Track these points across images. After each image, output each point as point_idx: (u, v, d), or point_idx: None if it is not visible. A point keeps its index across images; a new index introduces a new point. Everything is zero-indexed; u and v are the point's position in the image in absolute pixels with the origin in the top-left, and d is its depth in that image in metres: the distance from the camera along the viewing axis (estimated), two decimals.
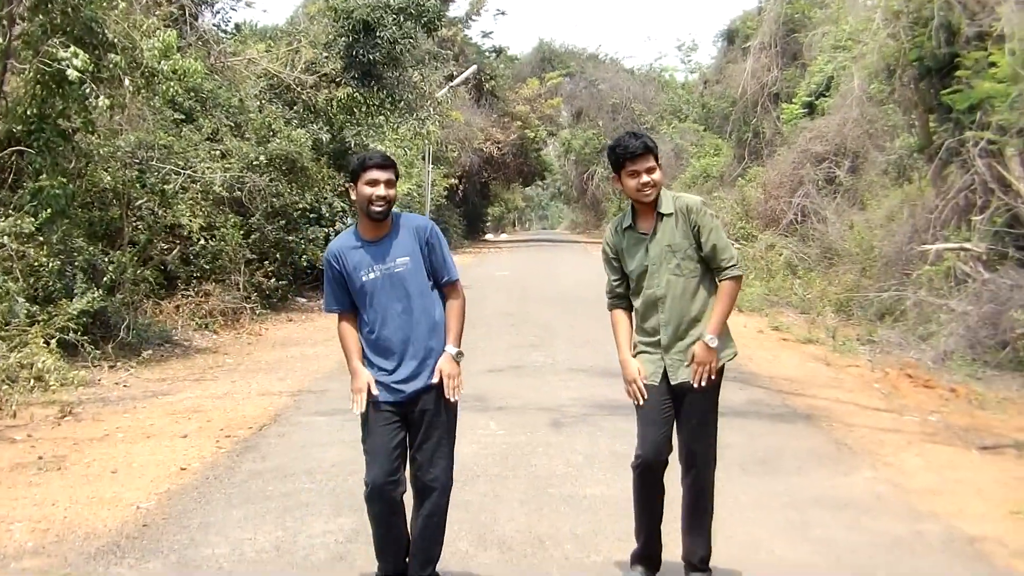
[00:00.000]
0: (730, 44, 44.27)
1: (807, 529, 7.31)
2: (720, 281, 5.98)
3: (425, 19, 27.66)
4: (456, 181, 55.26)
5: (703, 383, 5.85)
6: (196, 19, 23.49)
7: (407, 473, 5.86)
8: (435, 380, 5.77)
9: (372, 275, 5.75)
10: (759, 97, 36.36)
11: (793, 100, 33.20)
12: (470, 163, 57.40)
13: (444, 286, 5.94)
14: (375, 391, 5.74)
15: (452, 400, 5.82)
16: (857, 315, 18.55)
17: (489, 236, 78.95)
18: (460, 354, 5.84)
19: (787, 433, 10.52)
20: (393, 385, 5.75)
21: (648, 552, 6.16)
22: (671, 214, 5.94)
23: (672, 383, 5.94)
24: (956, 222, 16.76)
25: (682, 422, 5.99)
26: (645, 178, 5.87)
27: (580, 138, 65.55)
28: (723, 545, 6.45)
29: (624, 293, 6.14)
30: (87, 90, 13.65)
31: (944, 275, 15.91)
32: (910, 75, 18.15)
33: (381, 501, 5.76)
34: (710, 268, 5.99)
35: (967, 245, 15.70)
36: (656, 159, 5.92)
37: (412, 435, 5.84)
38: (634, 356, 6.05)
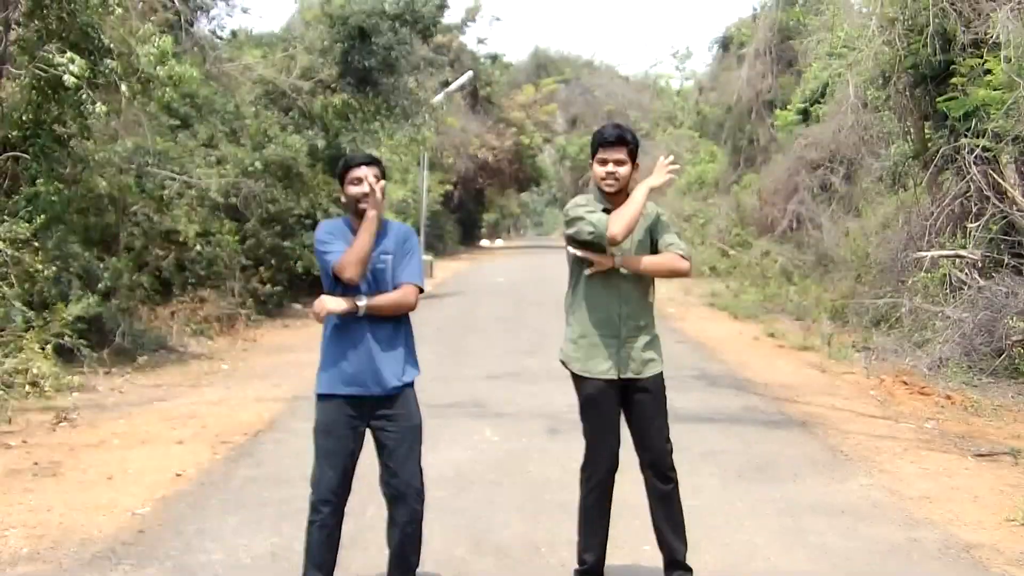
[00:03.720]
0: (725, 51, 44.35)
1: (803, 536, 7.31)
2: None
3: (421, 26, 27.65)
4: (451, 187, 55.39)
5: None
6: (192, 25, 23.49)
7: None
8: (406, 380, 5.77)
9: None
10: (754, 104, 36.46)
11: (788, 107, 33.25)
12: (465, 169, 57.52)
13: (403, 283, 5.79)
14: (343, 305, 5.62)
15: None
16: (852, 322, 18.57)
17: (484, 242, 78.94)
18: (362, 308, 5.64)
19: (783, 440, 10.52)
20: (363, 381, 5.69)
21: (600, 568, 6.15)
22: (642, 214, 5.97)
23: (622, 376, 5.92)
24: (951, 229, 16.79)
25: (643, 424, 5.99)
26: (611, 167, 5.88)
27: (575, 144, 65.70)
28: (719, 552, 6.45)
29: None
30: (83, 96, 13.65)
31: (939, 282, 15.93)
32: (905, 82, 18.16)
33: (333, 510, 5.74)
34: (654, 281, 6.08)
35: (962, 252, 15.73)
36: (631, 155, 5.91)
37: (379, 442, 5.80)
38: (582, 350, 6.02)
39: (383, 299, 5.68)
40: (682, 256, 5.96)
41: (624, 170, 5.89)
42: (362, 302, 5.59)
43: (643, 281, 6.01)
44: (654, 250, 6.01)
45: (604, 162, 5.90)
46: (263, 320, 20.98)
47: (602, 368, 5.94)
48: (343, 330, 5.73)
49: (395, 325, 5.81)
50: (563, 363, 6.11)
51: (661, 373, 6.04)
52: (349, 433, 5.73)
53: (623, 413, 6.02)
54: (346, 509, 5.80)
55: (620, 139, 5.87)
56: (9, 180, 14.53)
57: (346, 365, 5.70)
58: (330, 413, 5.74)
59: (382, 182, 5.69)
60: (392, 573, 5.87)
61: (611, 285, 5.95)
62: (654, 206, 6.11)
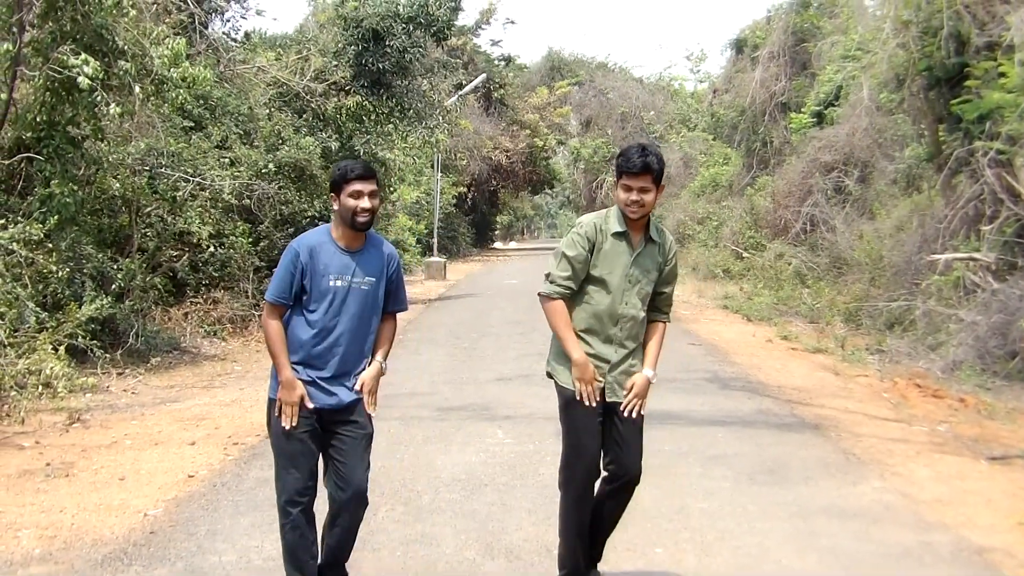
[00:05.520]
0: (739, 54, 44.23)
1: (815, 539, 7.29)
2: (656, 322, 6.11)
3: (435, 28, 27.63)
4: (465, 189, 55.42)
5: (635, 414, 5.90)
6: (206, 27, 23.50)
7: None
8: (356, 388, 5.79)
9: (339, 283, 5.72)
10: (768, 106, 36.37)
11: (802, 109, 33.18)
12: (479, 171, 57.57)
13: (390, 312, 6.00)
14: (309, 404, 5.69)
15: (370, 413, 5.85)
16: (866, 325, 18.54)
17: (498, 244, 79.03)
18: (385, 367, 5.91)
19: (795, 443, 10.50)
20: (320, 394, 5.72)
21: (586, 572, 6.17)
22: (658, 243, 6.00)
23: (608, 400, 5.94)
24: (965, 232, 16.75)
25: (620, 441, 5.97)
26: (635, 196, 5.82)
27: (589, 147, 65.57)
28: (730, 555, 6.44)
29: (574, 288, 6.01)
30: (97, 97, 13.66)
31: (953, 285, 15.89)
32: (919, 85, 18.15)
33: (304, 509, 5.76)
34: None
35: (976, 255, 15.69)
36: (656, 181, 5.84)
37: (333, 445, 5.81)
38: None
39: (387, 346, 6.03)
40: (666, 322, 6.19)
41: (649, 197, 5.83)
42: (384, 365, 5.94)
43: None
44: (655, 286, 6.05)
45: (629, 188, 5.84)
46: None
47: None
48: (309, 341, 5.79)
49: (366, 342, 5.89)
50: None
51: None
52: (309, 436, 5.76)
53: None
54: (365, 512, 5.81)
55: (646, 168, 5.79)
56: (23, 181, 14.57)
57: (309, 376, 5.76)
58: (295, 422, 5.77)
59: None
60: (324, 568, 5.88)
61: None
62: (669, 237, 6.14)
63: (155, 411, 12.19)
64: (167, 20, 18.88)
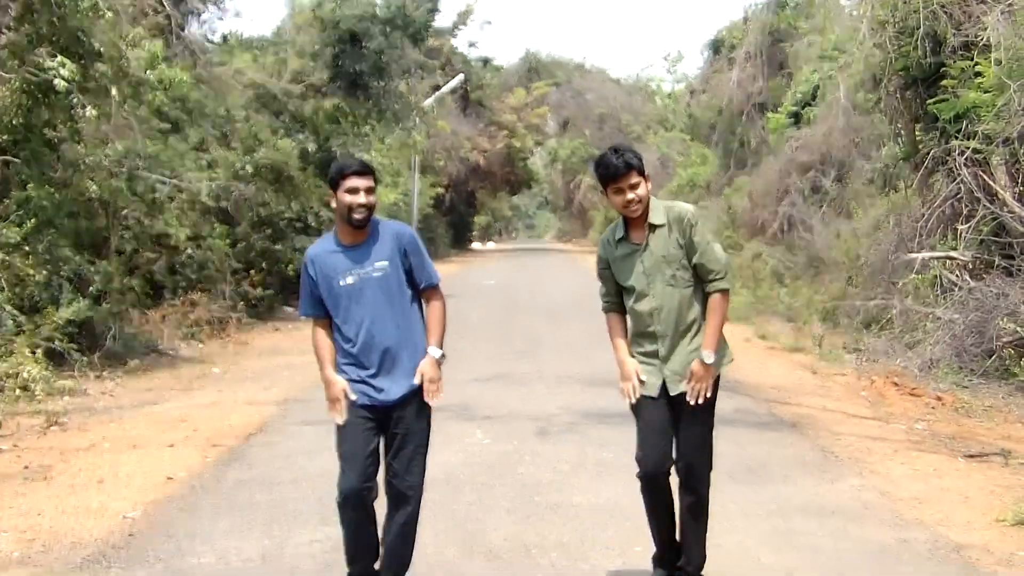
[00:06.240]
0: (716, 54, 44.28)
1: (793, 537, 7.32)
2: (708, 294, 5.95)
3: (412, 30, 27.67)
4: (443, 190, 55.37)
5: (699, 400, 5.86)
6: (183, 29, 23.46)
7: (379, 479, 5.88)
8: (416, 382, 5.77)
9: (350, 279, 5.74)
10: (745, 107, 36.43)
11: (779, 109, 33.23)
12: (457, 172, 57.53)
13: (425, 291, 5.95)
14: (352, 396, 5.73)
15: (432, 403, 5.84)
16: (843, 323, 18.58)
17: (476, 245, 78.98)
18: (443, 357, 5.85)
19: (774, 441, 10.54)
20: (370, 391, 5.75)
21: (667, 556, 6.19)
22: (663, 225, 5.91)
23: (672, 394, 5.94)
24: (942, 231, 16.80)
25: (681, 436, 6.00)
26: (630, 195, 5.83)
27: (567, 147, 65.77)
28: (710, 553, 6.45)
29: (619, 301, 6.11)
30: (74, 100, 13.64)
31: (930, 284, 15.94)
32: (896, 84, 18.19)
33: (356, 507, 5.77)
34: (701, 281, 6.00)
35: (953, 254, 15.74)
36: (640, 173, 5.85)
37: (388, 442, 5.85)
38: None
39: (439, 328, 5.95)
40: (719, 291, 5.95)
41: (642, 191, 5.85)
42: (437, 355, 5.85)
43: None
44: (688, 261, 5.94)
45: (620, 191, 5.85)
46: (254, 323, 20.99)
47: (648, 388, 6.01)
48: (354, 339, 5.82)
49: (414, 331, 5.90)
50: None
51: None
52: (364, 434, 5.78)
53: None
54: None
55: (627, 166, 5.81)
56: None
57: (360, 374, 5.81)
58: (345, 415, 5.81)
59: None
60: (385, 569, 5.90)
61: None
62: (686, 209, 6.04)
63: (133, 414, 12.15)
64: (144, 22, 18.87)
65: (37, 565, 6.80)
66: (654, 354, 5.97)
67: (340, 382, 5.76)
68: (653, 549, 6.21)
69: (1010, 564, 6.76)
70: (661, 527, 6.13)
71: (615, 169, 5.82)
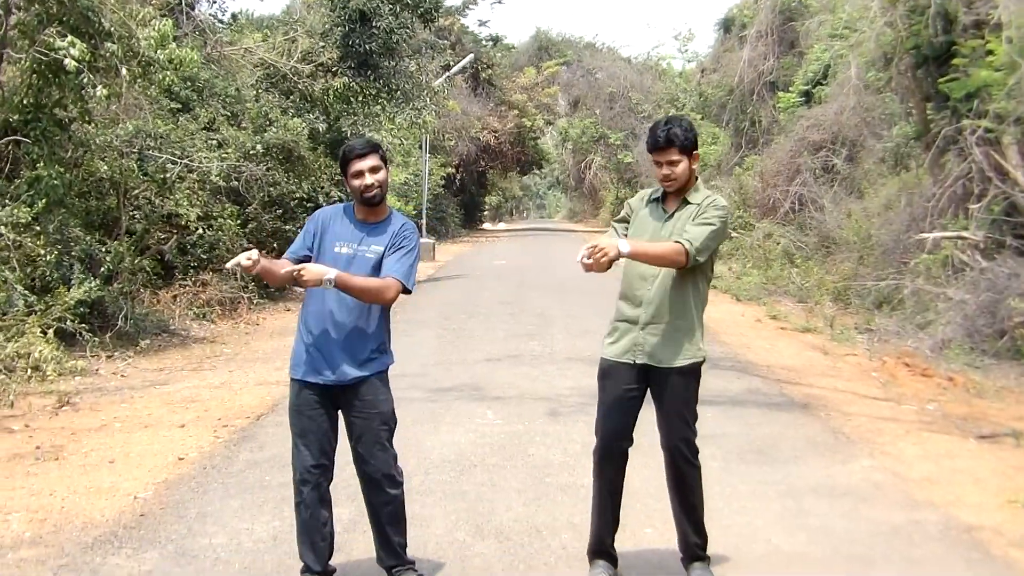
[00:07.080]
0: (727, 33, 44.21)
1: (804, 518, 7.32)
2: (676, 242, 5.78)
3: (422, 9, 27.57)
4: (453, 170, 55.30)
5: (587, 260, 5.56)
6: (192, 8, 23.45)
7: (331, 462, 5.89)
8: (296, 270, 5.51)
9: (344, 250, 5.72)
10: (756, 85, 36.42)
11: (790, 88, 33.21)
12: (467, 152, 57.43)
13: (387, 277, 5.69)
14: (249, 259, 5.40)
15: (228, 266, 5.58)
16: (855, 304, 18.57)
17: (487, 225, 78.99)
18: (330, 282, 5.45)
19: (784, 422, 10.52)
20: (324, 369, 5.72)
21: (603, 546, 6.14)
22: (695, 204, 5.93)
23: (637, 362, 5.90)
24: (953, 210, 16.78)
25: (660, 410, 5.96)
26: (666, 170, 5.87)
27: (577, 127, 65.56)
28: (720, 534, 6.45)
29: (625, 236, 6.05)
30: (84, 79, 13.62)
31: (942, 264, 15.93)
32: (907, 63, 18.15)
33: (310, 487, 5.78)
34: (704, 271, 5.98)
35: (964, 233, 15.72)
36: (683, 151, 5.85)
37: (348, 427, 5.83)
38: (610, 331, 6.09)
39: (357, 280, 5.57)
40: (684, 246, 5.72)
41: (680, 168, 5.86)
42: (331, 275, 5.44)
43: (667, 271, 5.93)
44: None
45: (659, 164, 5.91)
46: (265, 303, 20.98)
47: (614, 351, 6.00)
48: (309, 313, 5.81)
49: (365, 314, 5.76)
50: None
51: (686, 365, 5.92)
52: (317, 414, 5.77)
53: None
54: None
55: (669, 140, 5.83)
56: (10, 164, 14.51)
57: (308, 350, 5.78)
58: (298, 394, 5.81)
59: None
60: (380, 554, 5.93)
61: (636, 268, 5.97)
62: (720, 201, 6.01)
63: (144, 394, 12.17)
64: (153, 2, 18.85)
65: (48, 545, 6.81)
66: (634, 320, 5.95)
67: (262, 260, 5.49)
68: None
69: (1021, 545, 6.75)
70: (605, 511, 6.08)
71: (655, 141, 5.89)
